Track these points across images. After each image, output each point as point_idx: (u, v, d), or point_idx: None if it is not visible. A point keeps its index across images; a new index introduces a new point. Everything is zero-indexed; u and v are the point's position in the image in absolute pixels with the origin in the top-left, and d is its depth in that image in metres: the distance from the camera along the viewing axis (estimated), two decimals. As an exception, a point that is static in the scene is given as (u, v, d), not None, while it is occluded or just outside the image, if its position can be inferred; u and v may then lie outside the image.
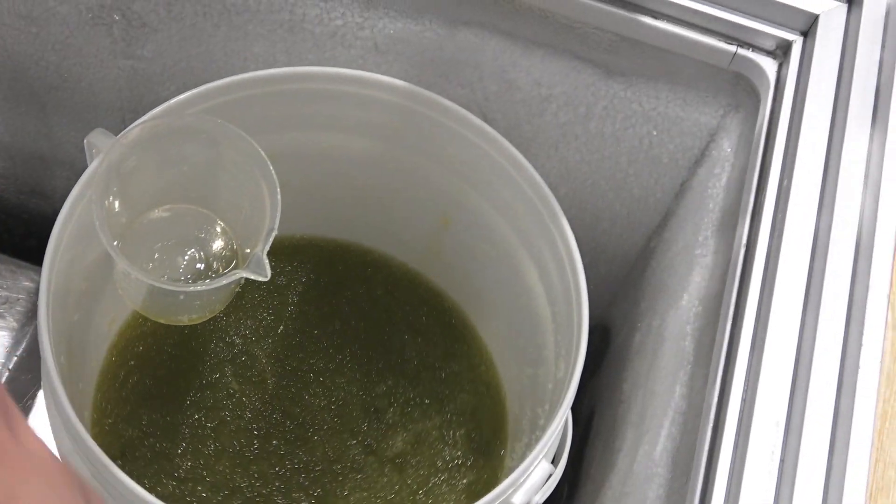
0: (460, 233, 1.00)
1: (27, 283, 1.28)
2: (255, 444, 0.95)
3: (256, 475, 0.94)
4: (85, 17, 1.01)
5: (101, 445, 0.73)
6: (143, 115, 0.84)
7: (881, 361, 0.71)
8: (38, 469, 0.52)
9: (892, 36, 0.82)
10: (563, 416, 0.80)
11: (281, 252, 1.05)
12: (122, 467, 0.72)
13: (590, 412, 1.14)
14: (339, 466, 0.95)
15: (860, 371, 0.69)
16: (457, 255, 1.03)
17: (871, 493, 0.67)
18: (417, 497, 0.95)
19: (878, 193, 0.76)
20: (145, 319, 0.97)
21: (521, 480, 0.79)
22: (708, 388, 0.76)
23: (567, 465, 1.13)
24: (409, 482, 0.95)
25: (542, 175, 0.87)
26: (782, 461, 0.69)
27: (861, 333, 0.71)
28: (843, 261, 0.75)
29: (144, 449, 0.93)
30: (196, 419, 0.95)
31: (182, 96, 0.85)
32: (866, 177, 0.78)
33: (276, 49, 0.98)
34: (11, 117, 1.17)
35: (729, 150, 0.91)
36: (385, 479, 0.95)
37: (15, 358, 1.22)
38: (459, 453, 0.97)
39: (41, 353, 0.75)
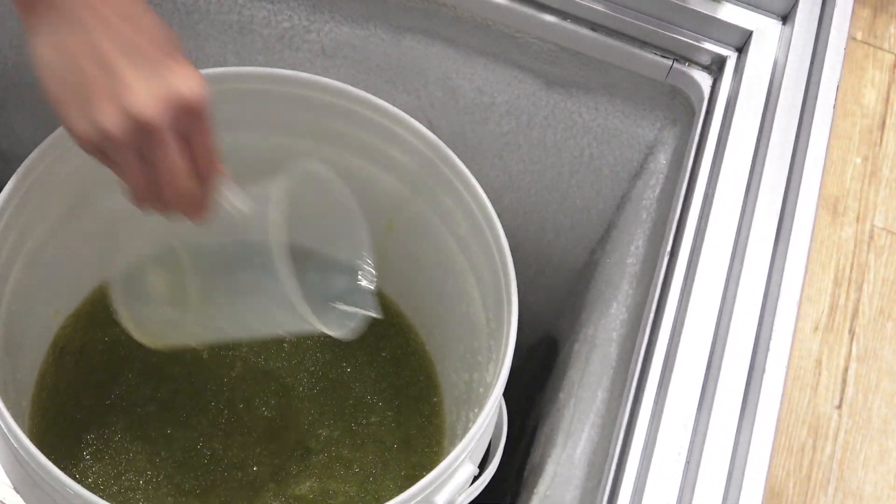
0: (404, 238, 1.01)
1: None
2: (182, 416, 0.96)
3: (163, 440, 0.95)
4: (41, 13, 1.02)
5: (36, 436, 0.74)
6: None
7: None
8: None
9: (821, 53, 0.84)
10: (487, 416, 0.81)
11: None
12: (58, 460, 0.73)
13: (535, 424, 1.15)
14: (238, 475, 0.94)
15: (765, 375, 0.71)
16: (400, 260, 1.04)
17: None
18: None
19: (794, 210, 0.77)
20: (90, 312, 0.98)
21: (442, 479, 0.79)
22: (625, 392, 0.77)
23: (513, 477, 1.14)
24: None
25: (486, 184, 0.88)
26: (688, 462, 0.70)
27: (769, 339, 0.72)
28: (757, 275, 0.76)
29: (82, 443, 0.94)
30: (134, 407, 0.96)
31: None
32: (787, 190, 0.79)
33: (227, 50, 1.00)
34: (-28, 113, 1.18)
35: (664, 162, 0.92)
36: None
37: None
38: None
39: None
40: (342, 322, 0.82)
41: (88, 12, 0.64)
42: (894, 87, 2.07)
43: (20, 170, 0.82)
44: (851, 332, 1.92)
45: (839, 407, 1.82)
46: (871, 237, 1.94)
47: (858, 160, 1.93)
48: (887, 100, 2.11)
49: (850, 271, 1.92)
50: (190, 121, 0.66)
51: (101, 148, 0.66)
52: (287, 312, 0.74)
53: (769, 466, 0.68)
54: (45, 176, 0.86)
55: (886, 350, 1.87)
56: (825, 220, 1.95)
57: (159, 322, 0.84)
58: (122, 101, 0.63)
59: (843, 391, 1.86)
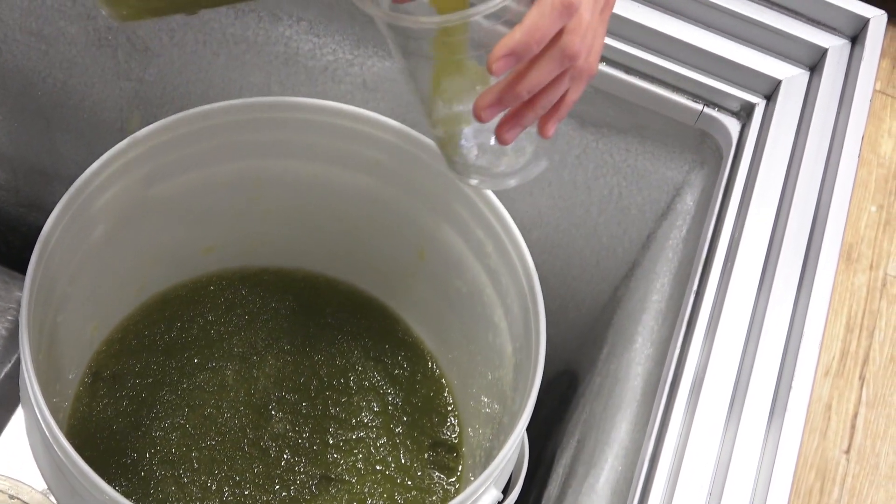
0: (434, 267, 1.04)
1: (20, 294, 1.30)
2: (210, 442, 0.98)
3: (191, 465, 0.97)
4: (92, 38, 1.06)
5: (74, 443, 0.77)
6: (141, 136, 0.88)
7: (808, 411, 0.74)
8: None
9: (847, 104, 0.87)
10: (514, 444, 0.83)
11: (259, 282, 1.09)
12: (94, 463, 0.75)
13: (552, 456, 1.17)
14: (265, 497, 0.97)
15: (787, 413, 0.73)
16: (430, 289, 1.06)
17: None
18: None
19: (818, 254, 0.80)
20: (122, 339, 1.01)
21: (468, 504, 0.82)
22: (650, 423, 0.79)
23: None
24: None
25: (515, 218, 0.91)
26: (710, 494, 0.72)
27: (791, 378, 0.74)
28: (781, 315, 0.79)
29: (112, 467, 0.96)
30: (165, 433, 0.99)
31: (182, 114, 0.90)
32: (811, 235, 0.82)
33: (272, 80, 1.03)
34: (16, 131, 1.22)
35: (691, 203, 0.95)
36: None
37: (7, 366, 1.24)
38: None
39: (20, 340, 0.78)
40: None
41: None
42: (911, 137, 2.11)
43: (66, 196, 0.86)
44: (862, 378, 1.94)
45: (847, 452, 1.84)
46: (884, 284, 1.96)
47: (874, 208, 1.95)
48: (904, 150, 2.15)
49: (862, 318, 1.94)
50: None
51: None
52: None
53: (790, 498, 0.70)
54: (89, 201, 0.90)
55: (896, 397, 1.89)
56: (839, 266, 1.98)
57: None
58: None
59: (851, 436, 1.87)
